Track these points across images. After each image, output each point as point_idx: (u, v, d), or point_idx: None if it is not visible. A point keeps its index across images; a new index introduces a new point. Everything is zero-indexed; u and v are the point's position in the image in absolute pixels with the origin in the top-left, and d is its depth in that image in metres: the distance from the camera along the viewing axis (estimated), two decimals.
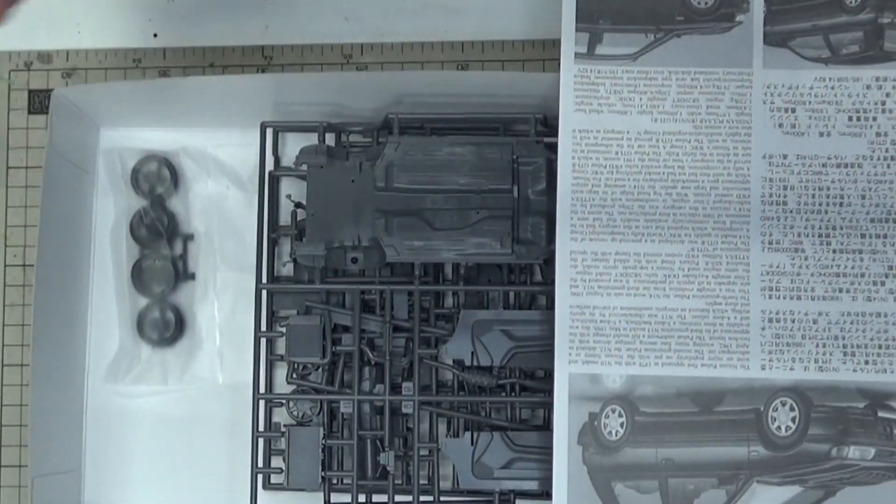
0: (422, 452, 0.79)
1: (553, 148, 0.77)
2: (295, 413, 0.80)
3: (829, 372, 0.74)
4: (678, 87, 0.76)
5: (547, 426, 0.79)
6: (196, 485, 0.83)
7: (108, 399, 0.83)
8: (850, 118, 0.76)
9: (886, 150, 0.75)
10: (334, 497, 0.79)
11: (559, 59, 0.77)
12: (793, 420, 0.74)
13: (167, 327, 0.83)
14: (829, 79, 0.76)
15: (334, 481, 0.80)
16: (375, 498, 0.79)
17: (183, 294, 0.84)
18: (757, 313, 0.75)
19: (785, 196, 0.76)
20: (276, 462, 0.80)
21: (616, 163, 0.76)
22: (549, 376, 0.77)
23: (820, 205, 0.75)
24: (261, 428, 0.80)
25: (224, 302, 0.83)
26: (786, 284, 0.75)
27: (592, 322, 0.75)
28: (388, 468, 0.78)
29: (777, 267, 0.75)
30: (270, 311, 0.81)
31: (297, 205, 0.81)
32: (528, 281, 0.81)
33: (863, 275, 0.75)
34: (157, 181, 0.84)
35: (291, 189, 0.82)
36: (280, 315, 0.81)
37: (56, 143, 0.79)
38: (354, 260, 0.79)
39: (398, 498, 0.79)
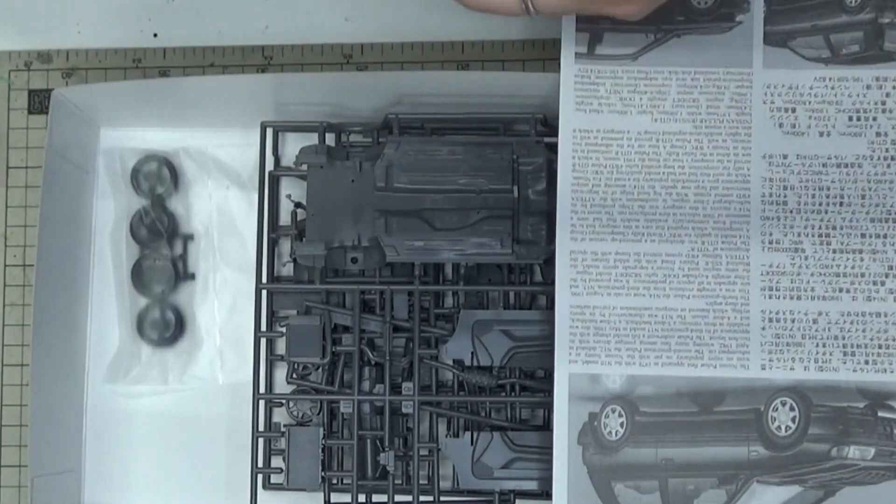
0: (422, 452, 0.79)
1: (553, 148, 0.77)
2: (295, 413, 0.80)
3: (828, 372, 0.74)
4: (678, 87, 0.76)
5: (547, 426, 0.79)
6: (196, 485, 0.83)
7: (108, 399, 0.83)
8: (850, 118, 0.76)
9: (886, 150, 0.75)
10: (334, 497, 0.79)
11: (559, 59, 0.77)
12: (793, 420, 0.74)
13: (167, 327, 0.83)
14: (829, 79, 0.76)
15: (334, 481, 0.80)
16: (375, 498, 0.79)
17: (183, 294, 0.84)
18: (757, 313, 0.75)
19: (785, 196, 0.75)
20: (276, 462, 0.80)
21: (616, 163, 0.76)
22: (549, 376, 0.77)
23: (820, 205, 0.75)
24: (261, 428, 0.80)
25: (224, 302, 0.83)
26: (786, 284, 0.75)
27: (592, 322, 0.75)
28: (388, 468, 0.78)
29: (777, 267, 0.75)
30: (270, 311, 0.81)
31: (297, 205, 0.81)
32: (528, 281, 0.81)
33: (863, 275, 0.75)
34: (157, 181, 0.84)
35: (291, 189, 0.82)
36: (280, 315, 0.81)
37: (56, 143, 0.78)
38: (354, 260, 0.79)
39: (398, 498, 0.78)
